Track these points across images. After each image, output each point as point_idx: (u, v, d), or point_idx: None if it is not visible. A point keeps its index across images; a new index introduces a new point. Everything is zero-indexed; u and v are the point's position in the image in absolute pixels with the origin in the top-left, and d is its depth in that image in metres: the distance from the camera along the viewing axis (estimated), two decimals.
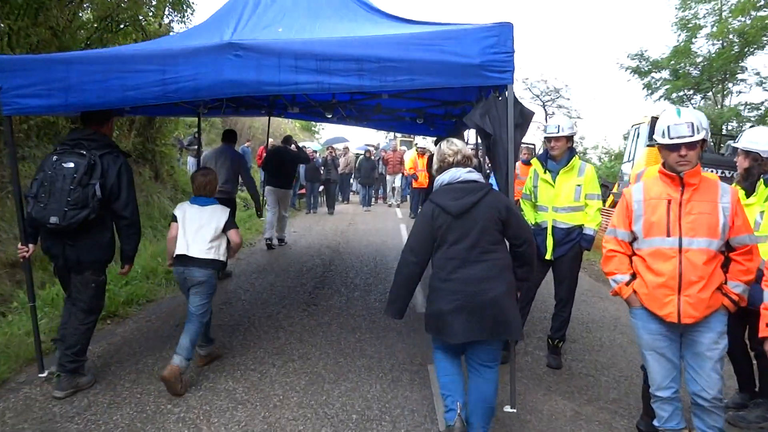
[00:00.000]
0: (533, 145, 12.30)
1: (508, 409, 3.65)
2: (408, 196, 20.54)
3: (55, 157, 3.65)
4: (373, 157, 18.26)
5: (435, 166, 3.28)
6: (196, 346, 4.05)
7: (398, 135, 24.03)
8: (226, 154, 7.23)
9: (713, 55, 19.95)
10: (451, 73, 3.35)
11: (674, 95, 21.48)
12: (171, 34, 13.01)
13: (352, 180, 19.72)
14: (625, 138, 24.69)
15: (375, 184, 18.60)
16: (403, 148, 21.15)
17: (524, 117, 3.61)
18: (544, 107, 36.06)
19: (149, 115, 9.43)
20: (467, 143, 4.85)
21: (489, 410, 3.11)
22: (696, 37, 20.36)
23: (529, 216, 4.68)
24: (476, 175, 3.14)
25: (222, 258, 4.09)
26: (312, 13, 4.20)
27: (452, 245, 3.02)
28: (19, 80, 3.68)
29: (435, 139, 8.96)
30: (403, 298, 3.17)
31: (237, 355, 4.60)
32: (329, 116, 8.07)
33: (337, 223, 13.37)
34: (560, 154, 4.48)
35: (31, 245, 3.93)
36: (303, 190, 15.78)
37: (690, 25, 20.07)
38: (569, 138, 4.51)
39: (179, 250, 3.99)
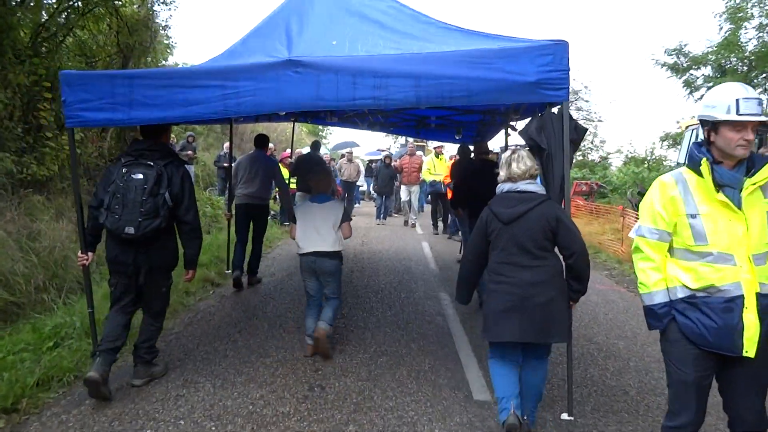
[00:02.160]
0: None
1: (565, 416, 3.53)
2: (423, 206, 18.63)
3: (124, 169, 3.79)
4: (393, 164, 16.23)
5: (503, 177, 3.36)
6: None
7: (410, 139, 22.04)
8: (260, 161, 7.23)
9: (763, 49, 17.89)
10: (507, 91, 3.40)
11: None
12: (157, 19, 11.26)
13: (364, 188, 17.84)
14: (665, 140, 22.72)
15: (393, 195, 16.33)
16: (419, 153, 19.17)
17: (578, 133, 3.61)
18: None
19: (174, 123, 8.35)
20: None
21: (539, 395, 3.35)
22: (745, 29, 18.30)
23: (659, 270, 2.62)
24: (534, 186, 3.25)
25: (341, 248, 4.73)
26: (361, 23, 4.26)
27: (503, 250, 3.20)
28: (83, 94, 3.76)
29: (460, 146, 8.49)
30: (466, 288, 3.56)
31: None
32: (369, 129, 8.68)
33: (347, 241, 11.37)
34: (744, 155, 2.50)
35: (90, 253, 4.08)
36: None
37: (740, 15, 17.99)
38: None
39: (311, 247, 4.58)
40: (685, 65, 20.54)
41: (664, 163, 24.62)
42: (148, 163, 3.82)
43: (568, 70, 3.33)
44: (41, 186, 7.89)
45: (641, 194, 15.93)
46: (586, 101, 34.14)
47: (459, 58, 3.42)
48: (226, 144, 16.27)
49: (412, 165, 14.01)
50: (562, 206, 3.42)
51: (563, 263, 3.22)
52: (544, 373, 3.33)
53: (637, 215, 10.25)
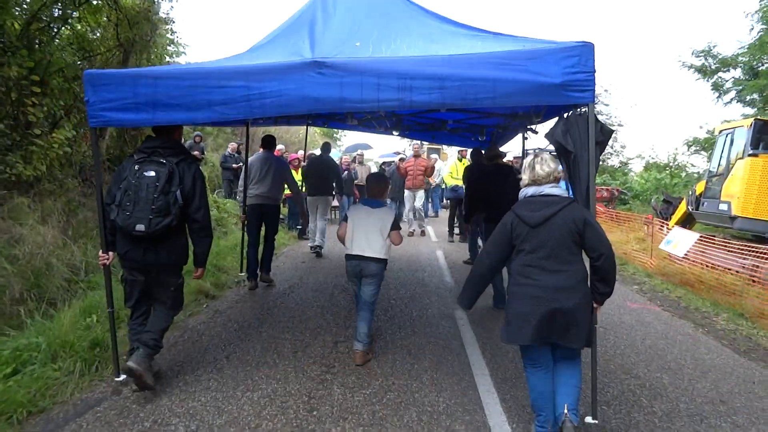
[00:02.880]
0: None
1: (589, 420, 3.45)
2: (439, 211, 17.94)
3: (136, 166, 3.79)
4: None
5: (526, 181, 3.35)
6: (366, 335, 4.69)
7: (424, 142, 21.45)
8: (271, 162, 7.28)
9: None
10: (532, 92, 3.34)
11: (748, 97, 18.47)
12: (159, 12, 10.69)
13: None
14: (692, 145, 21.78)
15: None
16: (434, 156, 18.52)
17: (604, 134, 3.53)
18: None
19: (198, 124, 8.39)
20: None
21: (574, 389, 3.19)
22: None
23: None
24: (558, 190, 3.26)
25: (388, 255, 4.70)
26: (386, 25, 4.28)
27: (529, 253, 3.16)
28: (106, 94, 3.72)
29: (472, 150, 8.63)
30: (473, 291, 3.43)
31: None
32: (384, 133, 8.64)
33: None
34: None
35: (111, 253, 4.00)
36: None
37: None
38: None
39: (357, 250, 4.62)
40: (713, 67, 19.64)
41: (689, 170, 23.71)
42: (161, 160, 3.81)
43: (594, 71, 3.29)
44: (28, 187, 7.35)
45: (666, 201, 15.11)
46: (606, 105, 33.20)
47: (484, 59, 3.37)
48: (232, 144, 15.75)
49: (417, 168, 12.53)
50: (588, 209, 3.39)
51: (587, 268, 3.19)
52: (579, 373, 3.28)
53: (663, 224, 9.52)
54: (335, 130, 34.08)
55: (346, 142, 35.63)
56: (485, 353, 4.92)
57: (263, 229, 7.32)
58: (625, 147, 30.22)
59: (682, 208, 13.08)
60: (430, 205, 17.16)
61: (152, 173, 3.75)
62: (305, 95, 3.48)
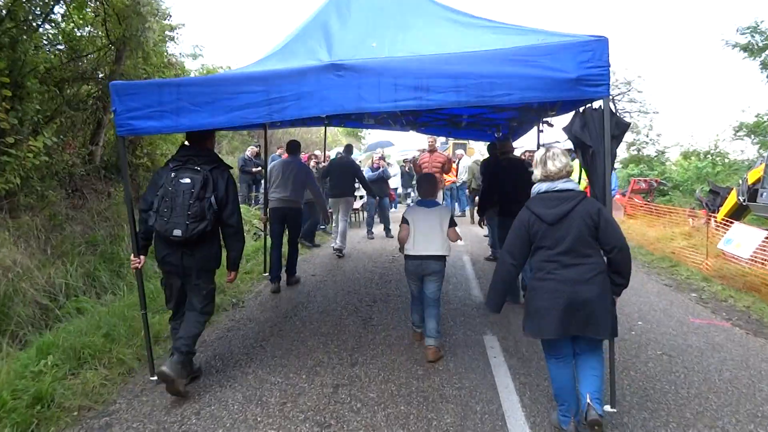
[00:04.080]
0: None
1: (608, 408, 3.51)
2: (467, 210, 16.85)
3: (172, 174, 3.92)
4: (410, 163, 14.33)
5: (538, 176, 3.34)
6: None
7: (450, 138, 20.42)
8: (293, 166, 7.35)
9: None
10: (547, 88, 3.35)
11: None
12: (149, 4, 9.87)
13: (400, 191, 16.22)
14: (739, 130, 20.21)
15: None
16: (460, 151, 17.41)
17: (620, 128, 3.59)
18: (613, 102, 31.15)
19: (220, 129, 7.96)
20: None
21: (596, 378, 3.19)
22: None
23: None
24: (572, 185, 3.27)
25: (449, 252, 4.76)
26: (400, 22, 4.35)
27: (548, 250, 3.19)
28: (132, 103, 3.81)
29: (488, 144, 8.44)
30: (500, 295, 3.44)
31: None
32: (401, 130, 8.87)
33: (375, 256, 9.76)
34: None
35: (142, 257, 4.16)
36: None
37: None
38: None
39: (418, 250, 4.70)
40: (761, 44, 18.07)
41: (734, 157, 22.04)
42: (195, 168, 3.93)
43: (609, 65, 3.30)
44: None
45: (713, 192, 13.75)
46: (640, 92, 31.39)
47: (500, 56, 3.41)
48: (252, 148, 14.96)
49: (433, 164, 11.06)
50: (605, 204, 3.37)
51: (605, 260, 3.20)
52: (602, 364, 3.28)
53: (711, 216, 8.32)
54: (359, 129, 33.27)
55: (369, 140, 34.73)
56: (523, 399, 3.91)
57: (287, 232, 7.42)
58: (661, 135, 28.59)
59: (732, 199, 11.74)
60: (456, 204, 16.11)
61: (188, 180, 3.86)
62: (324, 98, 3.52)
